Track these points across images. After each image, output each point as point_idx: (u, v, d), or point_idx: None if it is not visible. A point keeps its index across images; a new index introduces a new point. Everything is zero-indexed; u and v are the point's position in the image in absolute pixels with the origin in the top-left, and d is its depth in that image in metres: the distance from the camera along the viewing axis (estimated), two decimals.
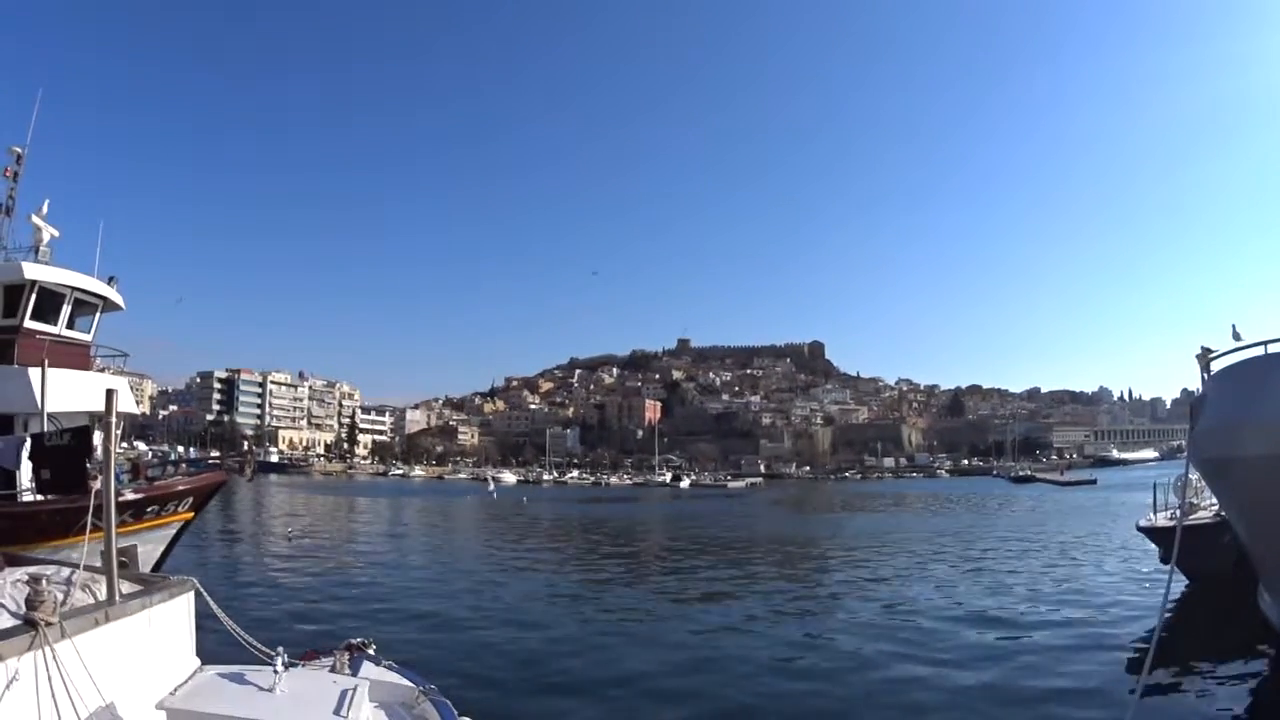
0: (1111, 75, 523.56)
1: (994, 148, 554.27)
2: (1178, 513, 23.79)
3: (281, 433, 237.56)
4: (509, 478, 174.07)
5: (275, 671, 6.58)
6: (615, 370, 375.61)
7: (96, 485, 7.98)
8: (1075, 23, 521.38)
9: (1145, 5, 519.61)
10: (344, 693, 6.65)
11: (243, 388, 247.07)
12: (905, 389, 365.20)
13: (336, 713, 6.24)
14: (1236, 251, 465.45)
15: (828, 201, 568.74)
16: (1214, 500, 22.46)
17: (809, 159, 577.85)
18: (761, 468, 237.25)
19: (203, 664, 6.97)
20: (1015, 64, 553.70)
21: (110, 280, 22.75)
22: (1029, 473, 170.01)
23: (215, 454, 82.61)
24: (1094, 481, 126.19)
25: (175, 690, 6.32)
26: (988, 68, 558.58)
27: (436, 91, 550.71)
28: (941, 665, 15.59)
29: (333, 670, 7.62)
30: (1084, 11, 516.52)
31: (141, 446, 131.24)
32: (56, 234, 22.07)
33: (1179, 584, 20.57)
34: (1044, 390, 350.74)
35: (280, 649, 6.87)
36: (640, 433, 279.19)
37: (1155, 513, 25.79)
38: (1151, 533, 24.33)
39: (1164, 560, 23.37)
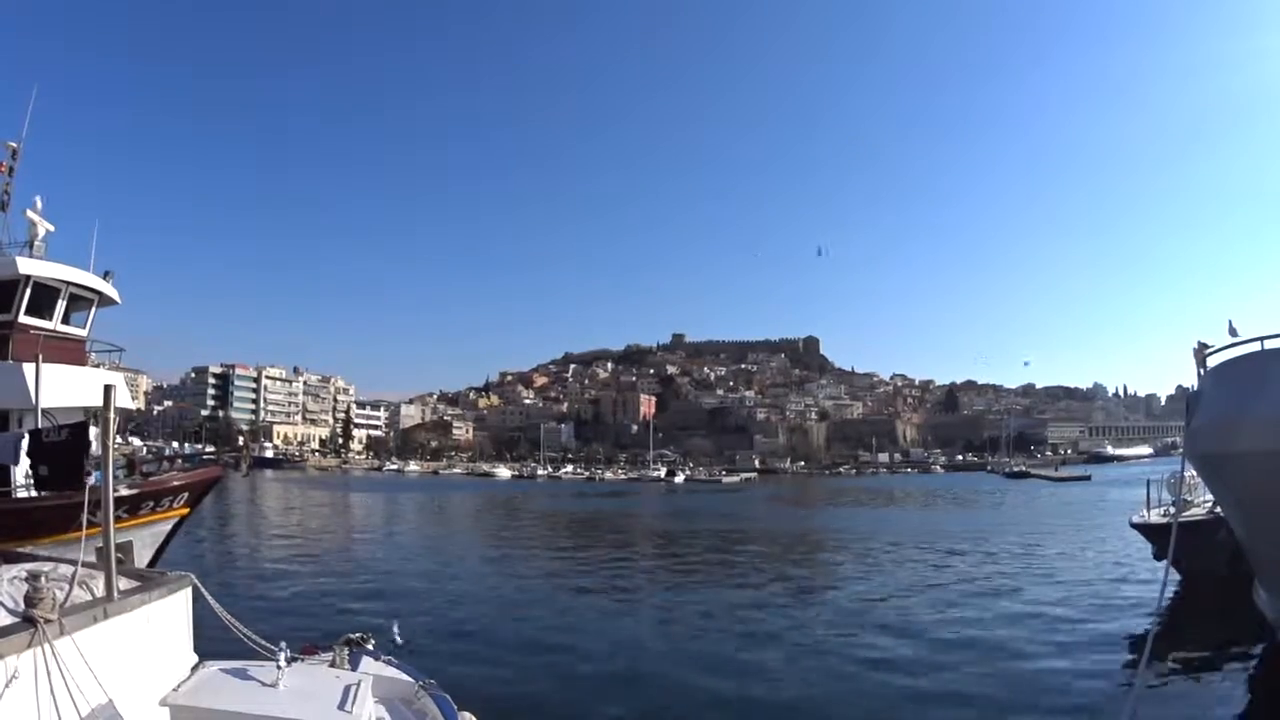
0: (1107, 72, 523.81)
1: (989, 144, 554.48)
2: (1171, 509, 23.85)
3: (276, 428, 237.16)
4: (504, 473, 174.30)
5: (278, 667, 6.58)
6: (610, 365, 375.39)
7: (91, 481, 7.99)
8: (1071, 19, 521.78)
9: (1141, 2, 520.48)
10: (347, 688, 6.65)
11: (237, 383, 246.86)
12: (900, 384, 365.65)
13: (340, 708, 6.24)
14: (1233, 247, 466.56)
15: (823, 197, 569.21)
16: (1207, 497, 22.47)
17: (804, 155, 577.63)
18: (756, 463, 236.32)
19: (201, 659, 6.97)
20: (1010, 61, 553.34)
21: (106, 275, 22.64)
22: (1023, 469, 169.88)
23: (210, 449, 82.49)
24: (1088, 478, 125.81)
25: (179, 686, 6.32)
26: (983, 65, 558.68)
27: (433, 89, 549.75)
28: (935, 662, 15.64)
29: (332, 665, 7.62)
30: (1079, 8, 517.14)
31: (136, 442, 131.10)
32: (52, 229, 21.96)
33: (1172, 580, 20.59)
34: (1039, 386, 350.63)
35: (283, 644, 6.87)
36: (635, 427, 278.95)
37: (1148, 509, 25.76)
38: (1145, 529, 24.34)
39: (1157, 557, 23.39)
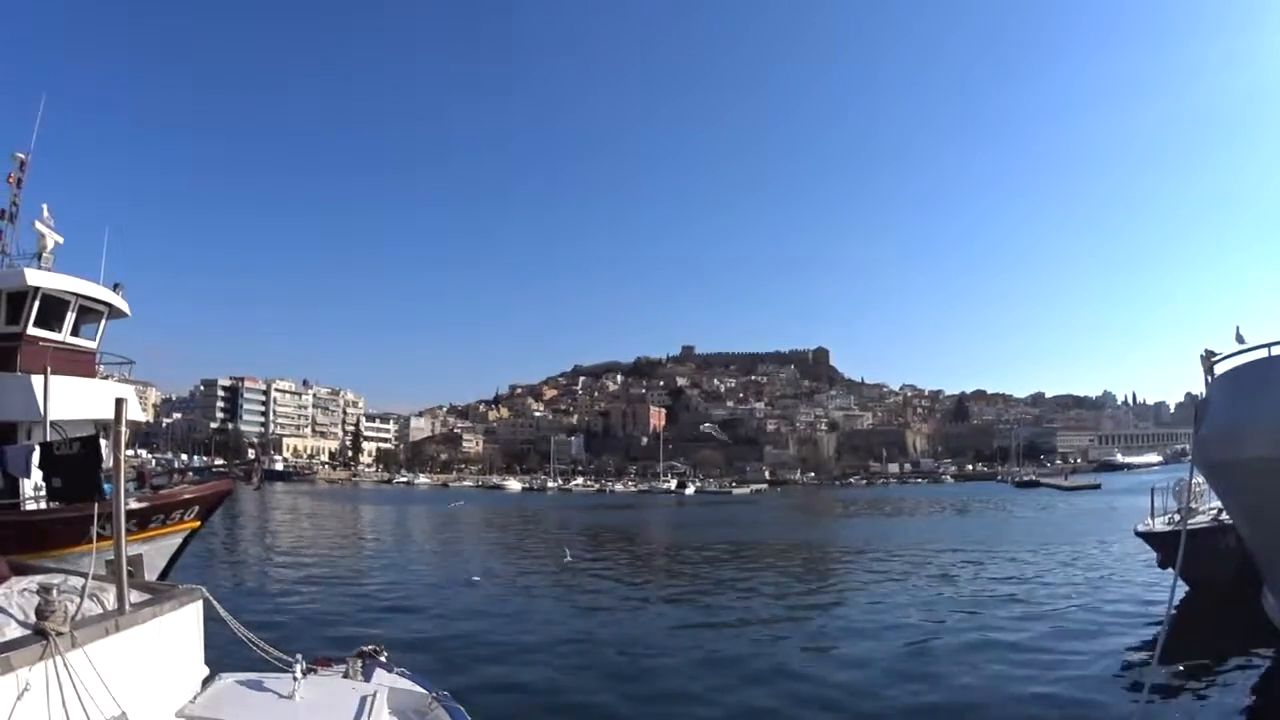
0: (1113, 78, 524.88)
1: (997, 153, 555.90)
2: (1175, 517, 23.73)
3: (285, 440, 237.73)
4: (514, 485, 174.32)
5: (294, 679, 6.63)
6: (620, 377, 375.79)
7: None
8: (1074, 28, 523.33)
9: (1143, 6, 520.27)
10: (363, 699, 6.71)
11: (247, 396, 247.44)
12: (909, 394, 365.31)
13: (357, 719, 6.29)
14: (1240, 253, 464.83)
15: (831, 208, 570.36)
16: (1212, 504, 22.38)
17: (811, 165, 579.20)
18: (766, 474, 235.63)
19: (213, 672, 7.00)
20: (1015, 69, 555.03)
21: (116, 287, 22.60)
22: (1033, 478, 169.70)
23: (220, 462, 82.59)
24: (1098, 486, 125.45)
25: (195, 698, 6.36)
26: (989, 73, 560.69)
27: (436, 98, 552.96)
28: (943, 669, 15.62)
29: (346, 677, 7.67)
30: (1082, 16, 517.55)
31: (145, 455, 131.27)
32: (60, 240, 21.92)
33: (1179, 588, 20.47)
34: (1048, 395, 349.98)
35: (298, 656, 6.91)
36: (645, 440, 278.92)
37: (1153, 517, 25.61)
38: (1150, 538, 24.17)
39: (1161, 565, 23.27)
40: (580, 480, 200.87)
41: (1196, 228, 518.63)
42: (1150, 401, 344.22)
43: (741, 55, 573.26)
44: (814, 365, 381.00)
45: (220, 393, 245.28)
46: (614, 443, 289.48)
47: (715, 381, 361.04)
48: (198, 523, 19.53)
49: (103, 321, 22.69)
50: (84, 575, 6.61)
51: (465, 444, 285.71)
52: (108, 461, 10.70)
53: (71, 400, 19.40)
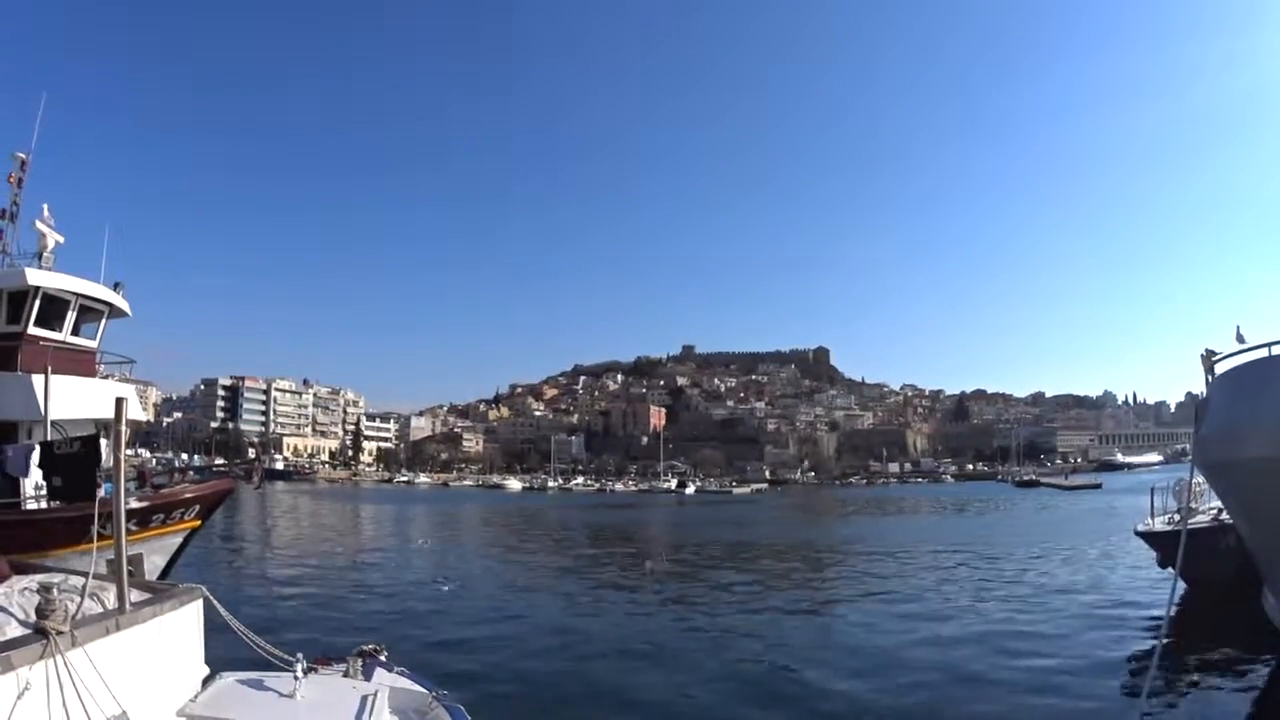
0: (1113, 78, 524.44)
1: (997, 153, 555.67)
2: (1175, 517, 23.68)
3: (286, 440, 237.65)
4: (514, 485, 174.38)
5: (295, 678, 6.64)
6: (620, 377, 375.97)
7: (102, 493, 8.01)
8: (1074, 28, 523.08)
9: (1143, 6, 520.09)
10: (364, 699, 6.72)
11: (247, 395, 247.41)
12: (910, 394, 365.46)
13: (358, 718, 6.30)
14: (1240, 253, 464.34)
15: (831, 208, 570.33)
16: (1211, 504, 22.34)
17: (811, 165, 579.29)
18: (767, 474, 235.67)
19: (213, 671, 7.00)
20: (1015, 69, 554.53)
21: (116, 286, 22.54)
22: (1033, 477, 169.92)
23: (221, 461, 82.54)
24: (1099, 486, 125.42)
25: (196, 697, 6.36)
26: (989, 73, 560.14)
27: (435, 99, 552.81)
28: (941, 669, 15.61)
29: (346, 676, 7.68)
30: (1082, 16, 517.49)
31: (145, 454, 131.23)
32: (61, 240, 21.86)
33: (1177, 588, 20.44)
34: (1048, 395, 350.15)
35: (299, 655, 6.92)
36: (645, 439, 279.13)
37: (1153, 517, 25.57)
38: (1149, 537, 24.14)
39: (1161, 565, 23.25)
40: (580, 480, 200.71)
41: (1196, 228, 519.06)
42: (1150, 401, 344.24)
43: (741, 55, 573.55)
44: (814, 365, 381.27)
45: (220, 392, 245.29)
46: (614, 442, 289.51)
47: (715, 381, 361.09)
48: (198, 522, 19.48)
49: (103, 321, 22.65)
50: (84, 574, 6.60)
51: (466, 443, 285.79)
52: (108, 461, 10.70)
53: (72, 400, 19.35)
